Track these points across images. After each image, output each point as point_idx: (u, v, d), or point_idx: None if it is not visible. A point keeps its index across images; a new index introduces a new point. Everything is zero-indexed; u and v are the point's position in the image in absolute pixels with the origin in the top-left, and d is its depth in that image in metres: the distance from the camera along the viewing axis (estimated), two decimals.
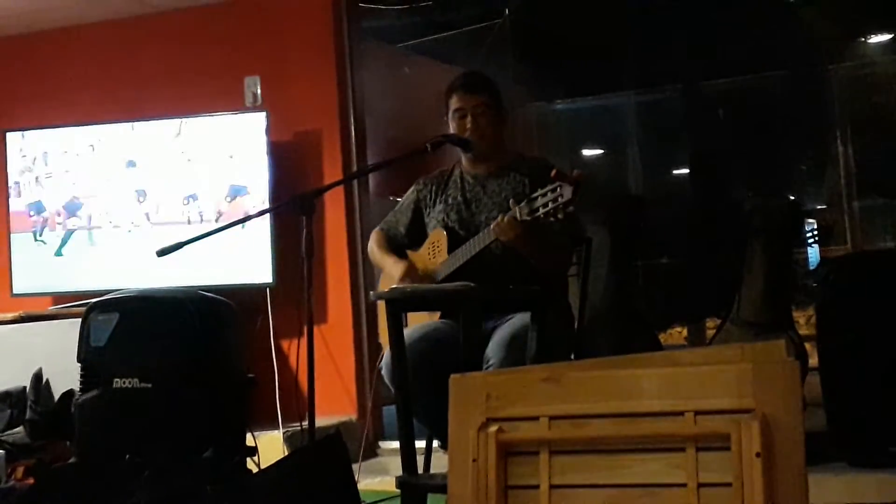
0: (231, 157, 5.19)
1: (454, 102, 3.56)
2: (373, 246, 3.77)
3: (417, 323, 3.56)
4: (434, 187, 3.68)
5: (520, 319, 3.32)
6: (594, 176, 9.19)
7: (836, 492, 3.63)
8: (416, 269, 3.54)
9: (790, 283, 5.09)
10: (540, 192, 3.10)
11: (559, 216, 3.07)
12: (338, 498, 2.98)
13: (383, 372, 3.44)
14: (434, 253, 3.56)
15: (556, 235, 3.39)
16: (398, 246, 3.71)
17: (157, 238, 5.21)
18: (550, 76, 8.38)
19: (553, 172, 3.07)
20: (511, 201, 3.22)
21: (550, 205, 3.05)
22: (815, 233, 7.60)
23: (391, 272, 3.61)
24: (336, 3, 5.34)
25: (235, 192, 5.17)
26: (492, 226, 3.26)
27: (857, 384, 3.87)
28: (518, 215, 3.16)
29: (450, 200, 3.61)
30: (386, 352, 3.44)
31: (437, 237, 3.56)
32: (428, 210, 3.67)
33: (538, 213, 3.10)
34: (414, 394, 3.24)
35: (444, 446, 3.40)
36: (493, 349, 3.25)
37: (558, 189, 3.02)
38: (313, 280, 3.22)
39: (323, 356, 5.01)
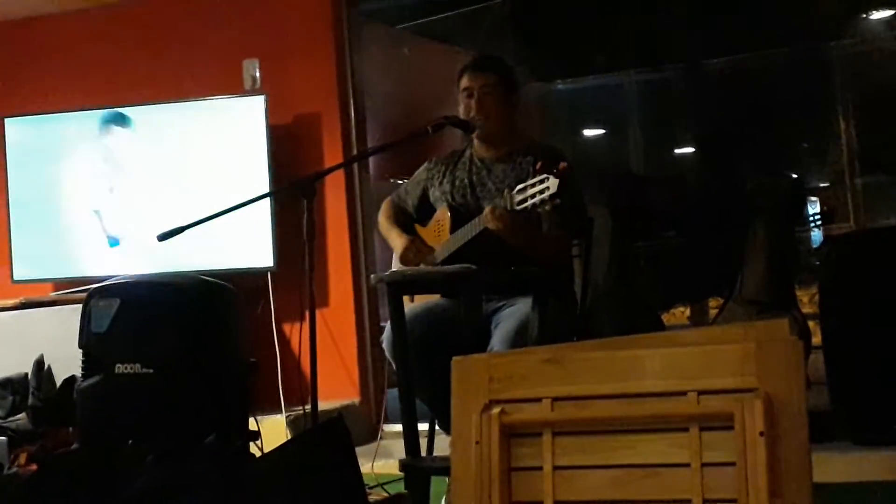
0: (230, 140, 5.17)
1: (463, 82, 3.57)
2: (381, 217, 3.79)
3: (417, 301, 3.57)
4: (444, 167, 3.68)
5: (523, 308, 3.30)
6: (595, 156, 9.17)
7: (840, 470, 3.63)
8: (417, 245, 3.54)
9: (793, 261, 5.07)
10: (528, 183, 3.08)
11: (546, 208, 3.06)
12: (341, 481, 2.97)
13: (384, 346, 3.45)
14: (438, 231, 3.56)
15: (552, 227, 3.38)
16: (406, 219, 3.72)
17: (157, 223, 5.20)
18: (550, 56, 8.34)
19: (538, 165, 3.06)
20: (506, 191, 3.21)
21: (537, 196, 3.04)
22: (818, 212, 7.59)
23: (395, 245, 3.62)
24: None
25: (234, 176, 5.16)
26: (483, 214, 3.26)
27: (861, 362, 3.86)
28: (507, 205, 3.15)
29: (456, 182, 3.61)
30: (387, 326, 3.45)
31: (442, 216, 3.57)
32: (435, 188, 3.67)
33: (525, 205, 3.09)
34: (415, 374, 3.25)
35: (443, 426, 3.41)
36: (498, 342, 3.25)
37: (544, 181, 3.01)
38: (314, 263, 3.21)
39: (325, 340, 5.00)
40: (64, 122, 5.46)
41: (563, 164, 3.02)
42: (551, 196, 3.00)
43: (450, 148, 3.81)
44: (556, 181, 2.97)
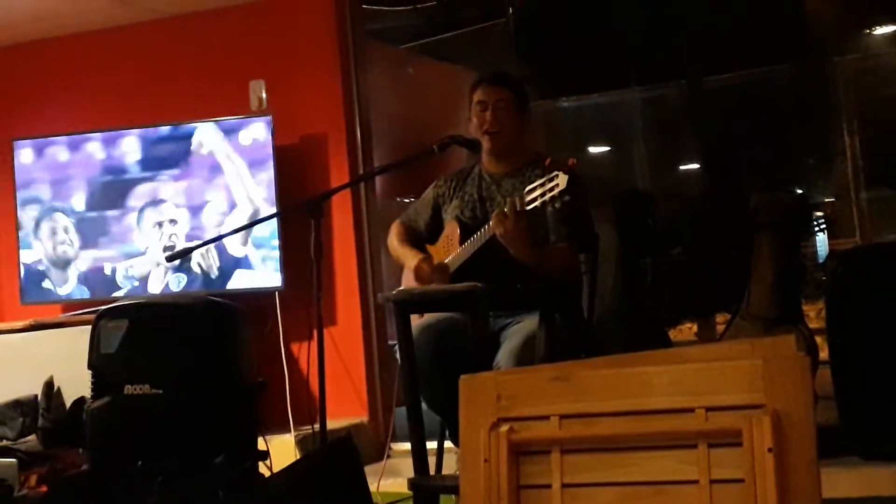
0: (237, 161, 5.19)
1: (477, 95, 3.57)
2: (392, 239, 3.79)
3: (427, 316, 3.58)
4: (453, 184, 3.70)
5: (529, 324, 3.31)
6: (601, 172, 9.19)
7: (850, 485, 3.61)
8: (429, 260, 3.55)
9: (799, 276, 5.07)
10: (537, 183, 3.09)
11: (556, 205, 3.06)
12: (350, 501, 2.98)
13: (398, 356, 3.45)
14: (448, 246, 3.57)
15: (559, 239, 3.39)
16: (417, 239, 3.73)
17: (165, 243, 5.22)
18: (555, 74, 8.37)
19: (547, 161, 3.07)
20: (515, 194, 3.22)
21: (547, 194, 3.04)
22: (823, 226, 7.59)
23: (408, 263, 3.63)
24: (339, 6, 5.34)
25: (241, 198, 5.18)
26: (491, 220, 3.26)
27: (869, 377, 3.85)
28: (517, 207, 3.16)
29: (465, 197, 3.62)
30: None
31: (451, 230, 3.58)
32: (445, 206, 3.68)
33: (535, 203, 3.09)
34: (425, 384, 3.26)
35: (454, 439, 3.41)
36: (504, 357, 3.25)
37: (554, 178, 3.02)
38: (322, 283, 3.22)
39: (333, 359, 5.00)
40: (72, 145, 5.49)
41: (571, 161, 3.03)
42: (561, 192, 3.00)
43: (456, 167, 3.82)
44: (566, 177, 2.98)
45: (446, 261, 3.54)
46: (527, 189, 3.13)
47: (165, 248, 5.14)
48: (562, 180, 2.99)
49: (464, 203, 3.61)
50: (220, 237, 3.47)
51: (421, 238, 3.73)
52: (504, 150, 3.59)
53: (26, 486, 4.08)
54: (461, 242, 3.49)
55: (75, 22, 5.64)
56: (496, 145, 3.57)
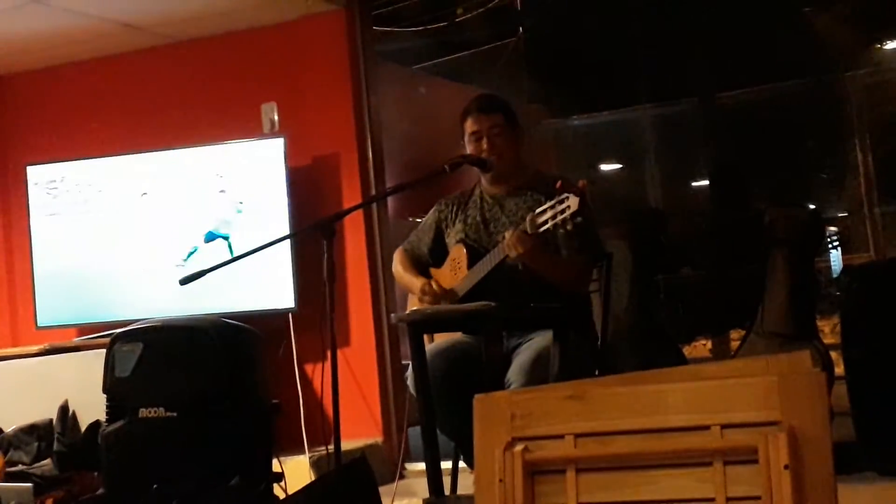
0: (250, 183, 5.21)
1: (469, 125, 3.59)
2: (396, 266, 3.80)
3: (439, 337, 3.58)
4: (454, 207, 3.70)
5: (541, 341, 3.31)
6: (613, 190, 9.18)
7: (867, 502, 3.60)
8: (434, 285, 3.55)
9: (813, 292, 5.05)
10: (547, 205, 3.10)
11: (568, 227, 3.07)
12: None
13: (408, 382, 3.46)
14: (455, 269, 3.57)
15: (571, 252, 3.39)
16: (421, 264, 3.74)
17: (178, 266, 5.24)
18: (566, 92, 8.38)
19: (558, 184, 3.09)
20: (529, 216, 3.22)
21: (558, 217, 3.05)
22: (837, 241, 7.56)
23: (412, 288, 3.63)
24: (350, 28, 5.37)
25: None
26: (503, 241, 3.27)
27: (885, 392, 3.84)
28: (527, 229, 3.17)
29: (469, 220, 3.63)
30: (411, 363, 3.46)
31: (458, 254, 3.58)
32: (448, 229, 3.69)
33: (546, 226, 3.10)
34: (438, 409, 3.26)
35: (469, 462, 3.41)
36: (515, 373, 3.25)
37: (565, 200, 3.03)
38: (335, 303, 3.22)
39: (347, 379, 5.01)
40: (85, 169, 5.51)
41: (582, 182, 3.04)
42: (573, 215, 3.01)
43: (468, 185, 3.83)
44: (577, 199, 2.99)
45: (455, 284, 3.54)
46: (537, 211, 3.13)
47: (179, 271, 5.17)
48: (573, 202, 2.99)
49: (467, 226, 3.62)
50: (233, 259, 3.47)
51: (425, 263, 3.74)
52: (504, 172, 3.60)
53: None
54: (469, 265, 3.49)
55: (88, 48, 5.68)
56: (497, 169, 3.58)
